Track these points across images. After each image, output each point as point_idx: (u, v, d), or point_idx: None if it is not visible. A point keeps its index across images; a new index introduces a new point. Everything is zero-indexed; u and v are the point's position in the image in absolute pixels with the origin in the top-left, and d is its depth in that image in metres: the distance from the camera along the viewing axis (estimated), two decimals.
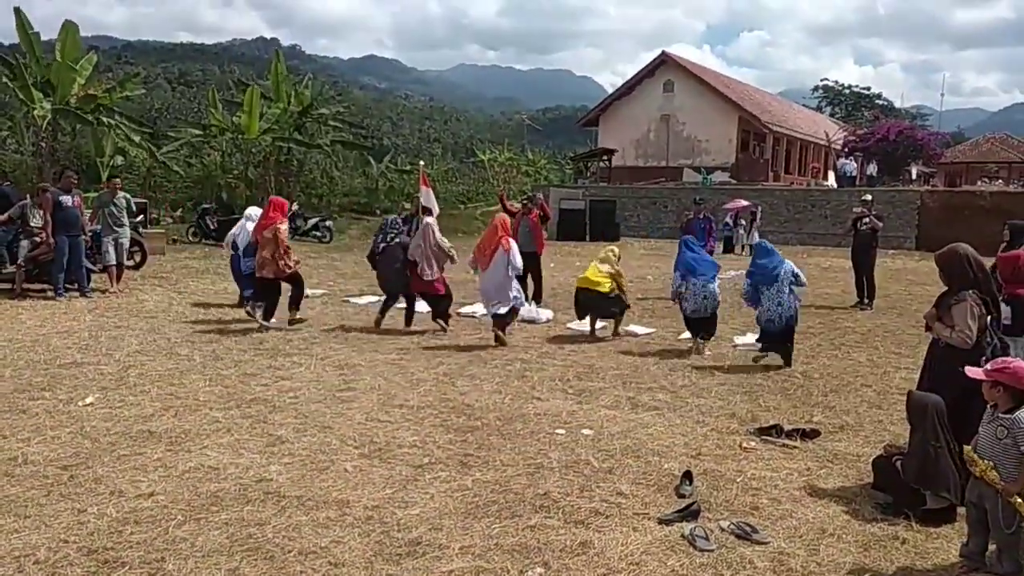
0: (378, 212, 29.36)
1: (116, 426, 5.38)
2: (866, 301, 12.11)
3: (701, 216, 13.68)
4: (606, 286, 8.89)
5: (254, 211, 10.16)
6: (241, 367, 7.23)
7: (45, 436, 5.16)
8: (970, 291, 4.47)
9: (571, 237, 25.34)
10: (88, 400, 5.99)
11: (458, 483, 4.47)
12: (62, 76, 19.77)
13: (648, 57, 40.36)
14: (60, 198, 10.98)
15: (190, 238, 20.30)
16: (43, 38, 21.04)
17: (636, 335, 9.25)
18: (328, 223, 23.21)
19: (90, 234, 11.59)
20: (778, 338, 7.74)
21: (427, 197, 11.97)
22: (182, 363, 7.35)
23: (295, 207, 24.59)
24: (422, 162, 17.11)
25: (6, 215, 11.57)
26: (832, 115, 58.14)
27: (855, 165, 31.62)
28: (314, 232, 22.48)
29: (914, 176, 33.73)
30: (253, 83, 29.95)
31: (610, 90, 49.44)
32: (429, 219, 9.47)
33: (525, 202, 12.13)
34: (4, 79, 20.70)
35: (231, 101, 27.30)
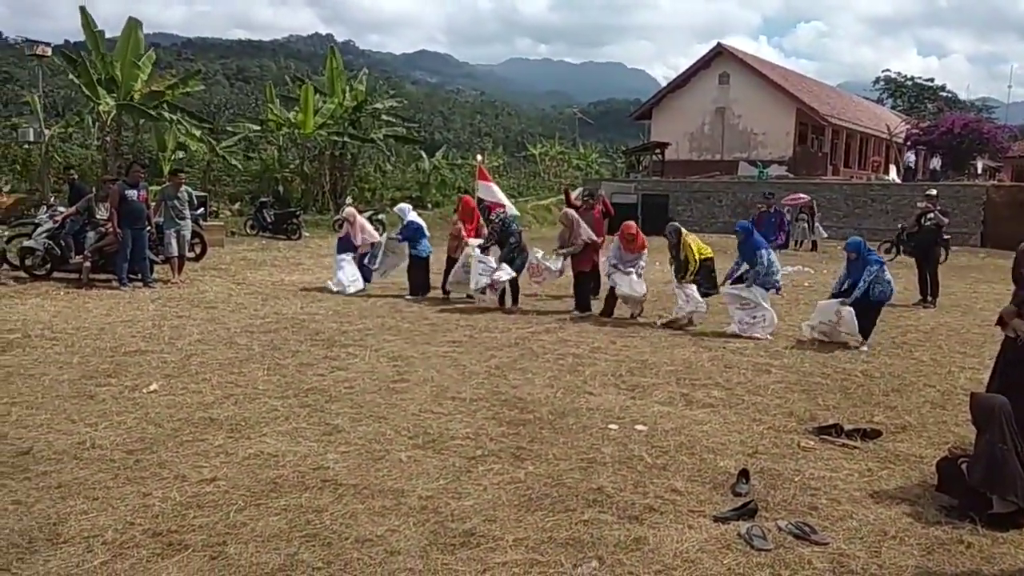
0: (430, 206, 29.57)
1: (179, 413, 5.54)
2: (929, 299, 11.76)
3: (772, 210, 13.33)
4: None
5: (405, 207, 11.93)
6: (298, 357, 7.36)
7: (111, 421, 5.34)
8: None
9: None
10: (152, 387, 6.18)
11: (511, 476, 4.48)
12: (126, 72, 20.35)
13: (702, 49, 39.77)
14: (126, 191, 11.31)
15: (248, 231, 20.75)
16: (106, 36, 21.67)
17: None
18: (381, 217, 23.43)
19: (153, 226, 11.93)
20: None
21: (487, 191, 12.06)
22: (241, 352, 7.52)
23: (348, 201, 24.97)
24: (479, 156, 17.11)
25: (74, 208, 11.99)
26: (894, 107, 56.46)
27: (915, 158, 30.67)
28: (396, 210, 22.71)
29: (979, 170, 32.61)
30: (308, 79, 30.41)
31: (663, 83, 48.86)
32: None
33: (587, 197, 12.13)
34: (70, 76, 21.40)
35: (287, 97, 27.75)
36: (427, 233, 11.71)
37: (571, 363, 7.40)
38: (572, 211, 10.81)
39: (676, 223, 10.19)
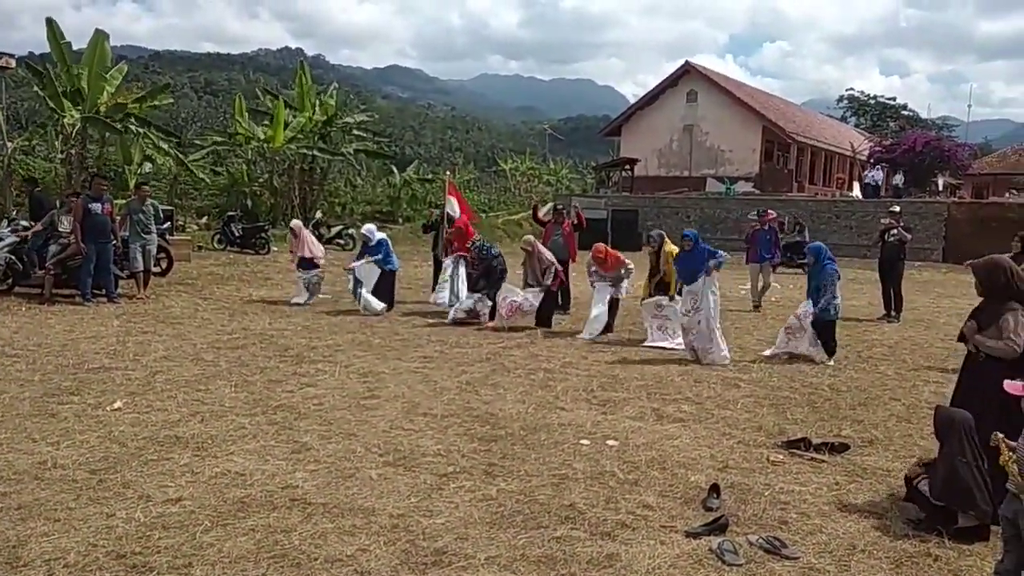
0: (400, 220, 29.50)
1: (144, 431, 5.43)
2: (893, 313, 11.97)
3: (766, 227, 13.30)
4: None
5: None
6: (266, 374, 7.27)
7: (74, 440, 5.21)
8: (1014, 302, 4.38)
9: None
10: (116, 405, 6.05)
11: (483, 493, 4.45)
12: (92, 85, 20.05)
13: (670, 67, 40.31)
14: (90, 204, 11.12)
15: (215, 245, 20.50)
16: (73, 48, 21.35)
17: (665, 349, 9.16)
18: (351, 231, 23.35)
19: (119, 240, 11.73)
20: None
21: (452, 207, 12.14)
22: (208, 369, 7.40)
23: (319, 215, 24.82)
24: (448, 172, 17.17)
25: (39, 225, 11.75)
26: (857, 126, 57.63)
27: (882, 175, 31.30)
28: (337, 240, 22.62)
29: (941, 187, 33.32)
30: (278, 92, 30.27)
31: (632, 100, 49.39)
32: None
33: (557, 211, 12.16)
34: (35, 88, 21.03)
35: (256, 110, 27.58)
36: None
37: (542, 378, 7.40)
38: (530, 237, 10.90)
39: (661, 230, 10.26)
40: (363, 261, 11.53)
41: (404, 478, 4.65)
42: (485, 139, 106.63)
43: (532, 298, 10.32)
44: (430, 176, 34.73)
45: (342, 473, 4.72)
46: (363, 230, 12.15)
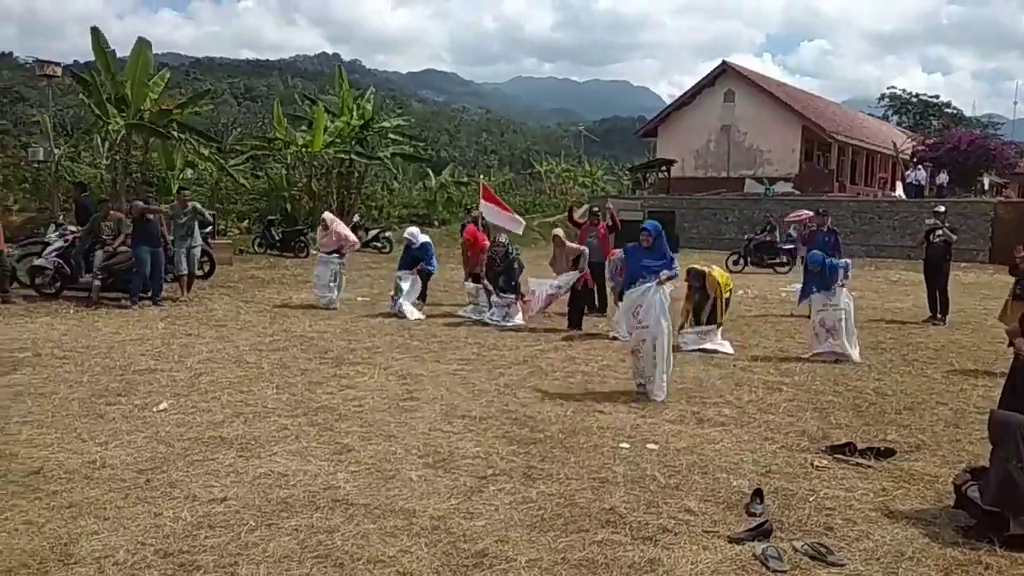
0: (436, 223, 29.66)
1: (189, 432, 5.53)
2: (939, 316, 11.70)
3: (825, 228, 12.78)
4: None
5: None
6: (307, 375, 7.36)
7: (122, 440, 5.33)
8: None
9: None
10: (162, 406, 6.18)
11: (522, 495, 4.45)
12: (136, 92, 20.49)
13: (707, 67, 39.92)
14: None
15: (256, 248, 20.82)
16: (117, 56, 21.84)
17: (704, 351, 9.04)
18: (388, 234, 23.55)
19: (168, 244, 11.98)
20: None
21: (490, 213, 12.15)
22: (250, 371, 7.52)
23: (356, 218, 25.05)
24: (482, 176, 17.24)
25: (86, 228, 12.06)
26: (899, 124, 56.50)
27: (925, 175, 30.66)
28: (374, 243, 22.82)
29: (986, 187, 32.54)
30: (316, 97, 30.63)
31: (668, 101, 49.01)
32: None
33: (594, 212, 12.11)
34: (80, 95, 21.57)
35: (295, 115, 27.94)
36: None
37: (580, 381, 7.38)
38: (558, 231, 11.19)
39: (695, 267, 9.89)
40: (415, 270, 11.53)
41: (444, 480, 4.67)
42: (520, 141, 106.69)
43: (563, 282, 10.38)
44: (465, 179, 34.88)
45: (383, 474, 4.75)
46: (406, 233, 12.19)
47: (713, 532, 4.03)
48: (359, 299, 13.01)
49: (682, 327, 9.34)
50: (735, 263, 20.25)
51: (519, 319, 10.68)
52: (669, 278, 6.87)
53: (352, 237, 12.53)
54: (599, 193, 37.09)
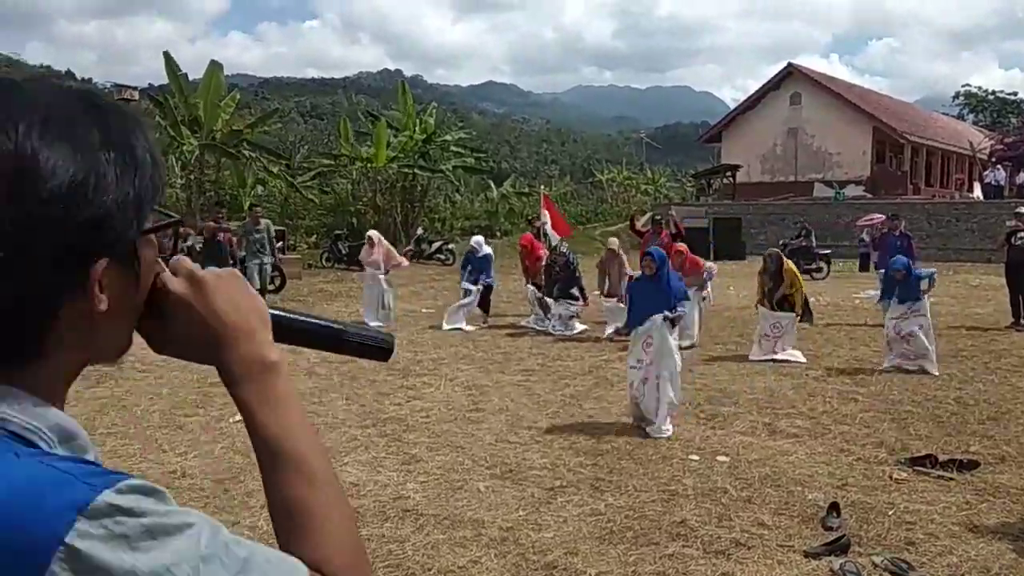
0: (499, 234, 29.83)
1: None
2: (1023, 322, 11.18)
3: (897, 232, 12.32)
4: None
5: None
6: (375, 387, 7.48)
7: (200, 451, 5.51)
8: None
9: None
10: (237, 417, 6.29)
11: (591, 507, 4.42)
12: (209, 113, 21.30)
13: (771, 70, 39.13)
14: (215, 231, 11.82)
15: (324, 263, 21.29)
16: (189, 78, 22.74)
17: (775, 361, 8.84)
18: (451, 246, 23.79)
19: (237, 262, 12.37)
20: None
21: (551, 223, 12.14)
22: (321, 382, 7.69)
23: (420, 231, 25.42)
24: (543, 186, 17.30)
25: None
26: (976, 123, 54.38)
27: (1004, 175, 29.39)
28: (437, 255, 23.08)
29: None
30: (379, 113, 31.24)
31: (732, 105, 48.33)
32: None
33: (657, 220, 12.02)
34: (156, 118, 22.53)
35: (359, 131, 28.55)
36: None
37: None
38: (614, 241, 11.12)
39: (775, 249, 9.88)
40: (480, 285, 11.60)
41: (512, 491, 4.68)
42: (580, 151, 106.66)
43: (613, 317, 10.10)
44: (527, 190, 35.02)
45: (451, 485, 4.79)
46: (472, 242, 12.27)
47: (788, 546, 3.93)
48: (423, 310, 13.16)
49: (759, 303, 9.31)
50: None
51: (580, 328, 10.64)
52: (673, 319, 6.20)
53: (398, 256, 12.37)
54: (662, 200, 36.75)
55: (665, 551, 3.86)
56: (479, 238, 12.52)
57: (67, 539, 0.52)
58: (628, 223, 14.84)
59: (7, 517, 0.52)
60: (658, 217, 12.51)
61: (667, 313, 6.14)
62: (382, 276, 11.66)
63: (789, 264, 9.25)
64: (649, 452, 5.44)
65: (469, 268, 11.77)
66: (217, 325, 0.72)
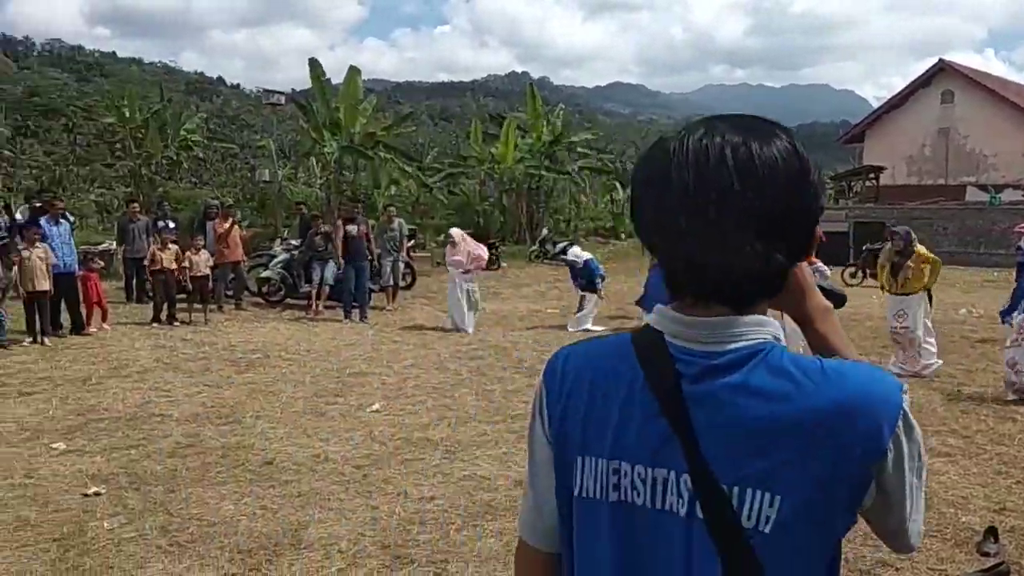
0: (623, 236, 29.57)
1: (399, 432, 5.90)
2: None
3: None
4: None
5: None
6: (503, 384, 7.60)
7: (341, 437, 5.79)
8: None
9: (832, 262, 23.61)
10: (375, 407, 6.64)
11: None
12: (348, 117, 22.25)
13: (920, 67, 36.70)
14: (346, 227, 12.31)
15: None
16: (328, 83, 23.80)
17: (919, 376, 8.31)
18: (575, 248, 23.78)
19: (375, 257, 12.86)
20: None
21: None
22: (451, 377, 7.89)
23: (544, 232, 25.59)
24: None
25: (304, 246, 13.24)
26: None
27: None
28: (561, 256, 23.13)
29: None
30: (506, 115, 31.69)
31: (875, 104, 45.80)
32: None
33: None
34: (300, 121, 23.76)
35: (487, 133, 29.06)
36: None
37: None
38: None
39: (907, 227, 9.24)
40: (600, 290, 11.44)
41: None
42: None
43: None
44: None
45: None
46: (570, 254, 12.03)
47: (940, 570, 3.70)
48: (548, 310, 13.25)
49: (881, 288, 8.83)
50: (852, 276, 18.36)
51: None
52: None
53: (483, 255, 11.79)
54: None
55: None
56: (575, 249, 12.40)
57: (903, 404, 0.90)
58: None
59: (868, 392, 0.90)
60: None
61: None
62: (464, 276, 11.12)
63: (920, 249, 8.64)
64: None
65: (577, 279, 11.61)
66: (801, 288, 1.03)
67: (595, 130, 36.45)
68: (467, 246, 11.40)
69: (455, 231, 12.02)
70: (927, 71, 34.36)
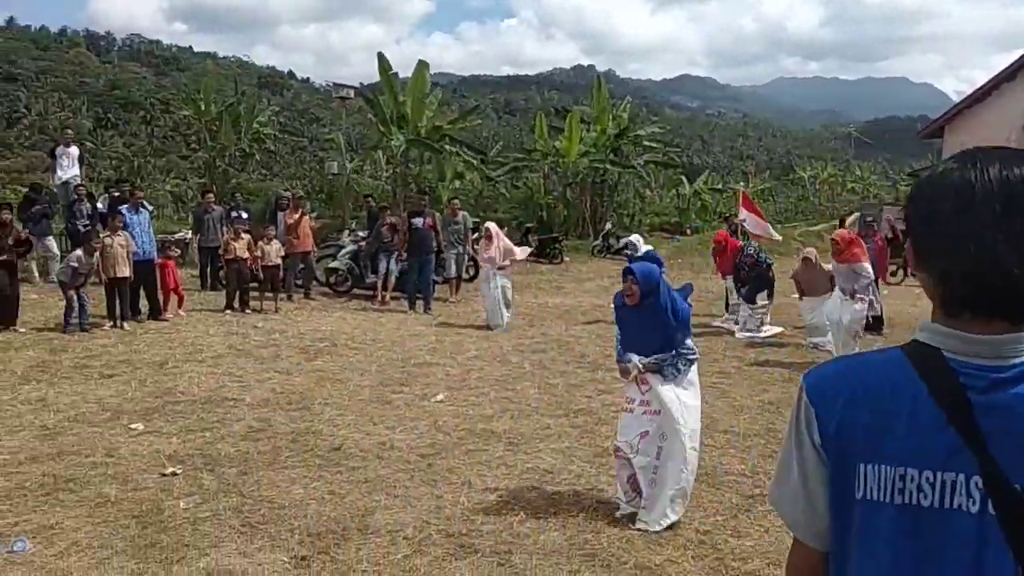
0: (688, 232, 29.15)
1: (463, 423, 5.95)
2: None
3: None
4: None
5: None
6: (566, 378, 7.59)
7: (406, 426, 5.87)
8: None
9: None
10: (439, 397, 6.71)
11: None
12: (415, 110, 22.47)
13: (1005, 59, 35.06)
14: (412, 219, 12.44)
15: None
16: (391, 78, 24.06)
17: None
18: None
19: (442, 249, 12.99)
20: None
21: (751, 223, 11.56)
22: (514, 370, 7.91)
23: (608, 226, 25.39)
24: (741, 183, 16.68)
25: (372, 237, 13.45)
26: None
27: None
28: (625, 251, 22.92)
29: None
30: (571, 109, 31.52)
31: (955, 98, 43.91)
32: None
33: (869, 223, 11.18)
34: (368, 115, 24.08)
35: (551, 127, 28.96)
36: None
37: None
38: (811, 251, 10.02)
39: None
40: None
41: (708, 494, 4.58)
42: (780, 145, 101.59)
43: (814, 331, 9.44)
44: (720, 186, 33.92)
45: None
46: (632, 237, 12.00)
47: None
48: (610, 306, 13.14)
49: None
50: (892, 274, 17.48)
51: (773, 330, 10.12)
52: (637, 370, 4.24)
53: (516, 249, 11.50)
54: (871, 200, 34.24)
55: None
56: (635, 236, 12.21)
57: None
58: (838, 223, 13.93)
59: None
60: (869, 218, 11.65)
61: (645, 361, 4.21)
62: (498, 273, 10.76)
63: None
64: None
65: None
66: None
67: (662, 123, 35.93)
68: (500, 241, 11.19)
69: (491, 224, 11.67)
70: (1013, 64, 32.67)
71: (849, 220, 13.75)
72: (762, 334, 10.20)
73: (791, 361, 8.69)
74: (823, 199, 37.35)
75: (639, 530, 4.02)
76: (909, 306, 12.16)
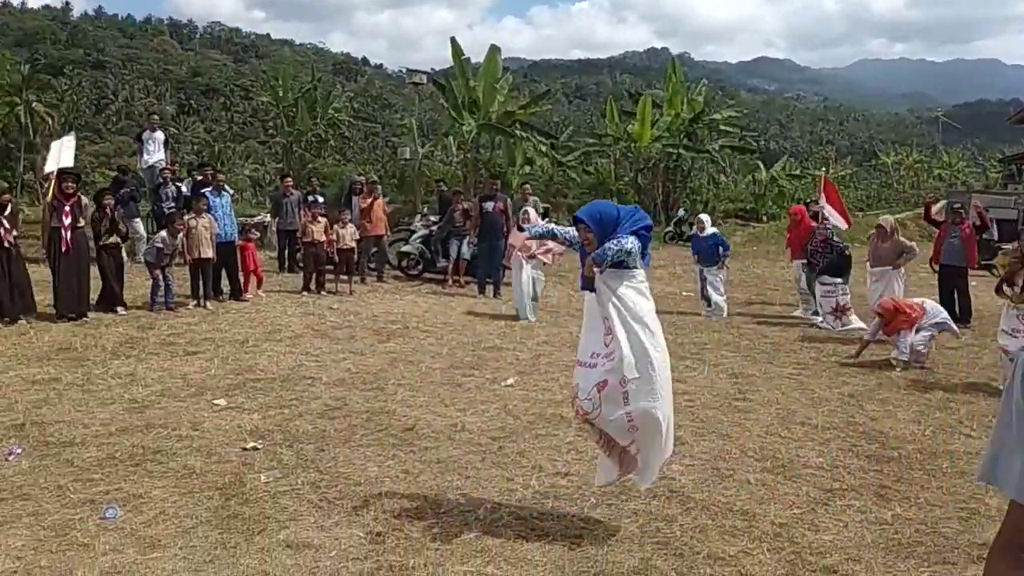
0: (764, 219, 28.45)
1: (533, 407, 5.96)
2: None
3: None
4: None
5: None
6: None
7: (477, 409, 5.92)
8: None
9: (996, 252, 21.77)
10: (509, 381, 6.73)
11: (875, 515, 4.09)
12: (486, 95, 22.51)
13: None
14: (483, 204, 12.50)
15: None
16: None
17: None
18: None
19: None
20: None
21: (829, 211, 11.07)
22: None
23: (681, 213, 24.99)
24: (823, 168, 16.19)
25: (443, 222, 13.57)
26: None
27: None
28: (692, 229, 22.53)
29: None
30: (643, 92, 31.05)
31: None
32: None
33: (956, 210, 10.68)
34: (440, 100, 24.24)
35: (623, 111, 28.60)
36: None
37: (941, 398, 6.57)
38: (887, 218, 10.01)
39: None
40: (721, 265, 10.99)
41: (784, 487, 4.47)
42: (862, 130, 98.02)
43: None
44: (798, 171, 32.95)
45: (718, 473, 4.69)
46: (702, 215, 11.92)
47: None
48: (683, 293, 12.97)
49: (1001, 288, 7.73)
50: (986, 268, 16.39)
51: (856, 325, 9.72)
52: (594, 263, 3.94)
53: (555, 248, 10.37)
54: (958, 187, 32.72)
55: (963, 573, 3.47)
56: (705, 216, 11.88)
57: None
58: (922, 211, 13.37)
59: None
60: (956, 205, 11.12)
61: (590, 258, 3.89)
62: (531, 262, 10.27)
63: None
64: (943, 465, 4.90)
65: (697, 256, 10.98)
66: None
67: (738, 107, 35.08)
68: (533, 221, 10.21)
69: (531, 211, 10.97)
70: None
71: (936, 207, 13.17)
72: (848, 327, 9.83)
73: (874, 353, 8.39)
74: (907, 186, 35.91)
75: (712, 520, 3.96)
76: (1001, 300, 11.58)
